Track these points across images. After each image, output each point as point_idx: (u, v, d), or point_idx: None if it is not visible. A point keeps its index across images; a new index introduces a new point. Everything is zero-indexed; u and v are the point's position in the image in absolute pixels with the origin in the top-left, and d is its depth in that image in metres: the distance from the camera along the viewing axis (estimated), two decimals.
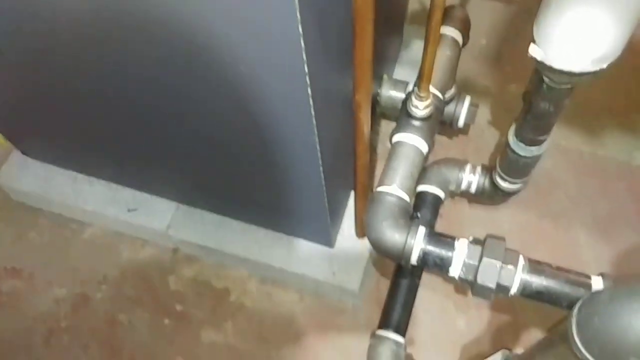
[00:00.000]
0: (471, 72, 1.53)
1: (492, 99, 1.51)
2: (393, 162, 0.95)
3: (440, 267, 0.83)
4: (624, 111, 1.47)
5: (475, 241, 0.83)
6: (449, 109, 1.19)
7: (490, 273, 0.78)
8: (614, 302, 0.51)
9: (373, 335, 1.07)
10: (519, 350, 0.98)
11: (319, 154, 0.88)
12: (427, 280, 1.25)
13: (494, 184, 1.12)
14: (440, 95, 1.04)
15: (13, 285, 1.37)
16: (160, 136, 1.04)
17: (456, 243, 0.84)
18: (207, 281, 1.35)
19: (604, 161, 1.41)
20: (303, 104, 0.76)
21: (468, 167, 1.17)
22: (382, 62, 1.23)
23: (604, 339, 0.52)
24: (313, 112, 0.78)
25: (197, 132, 0.97)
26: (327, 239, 1.23)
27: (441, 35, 1.08)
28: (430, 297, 1.27)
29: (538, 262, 0.81)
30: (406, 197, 0.91)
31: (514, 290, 0.79)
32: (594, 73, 0.75)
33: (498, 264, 0.78)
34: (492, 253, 0.79)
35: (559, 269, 0.80)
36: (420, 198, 1.14)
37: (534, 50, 0.76)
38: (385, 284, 1.30)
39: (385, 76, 1.22)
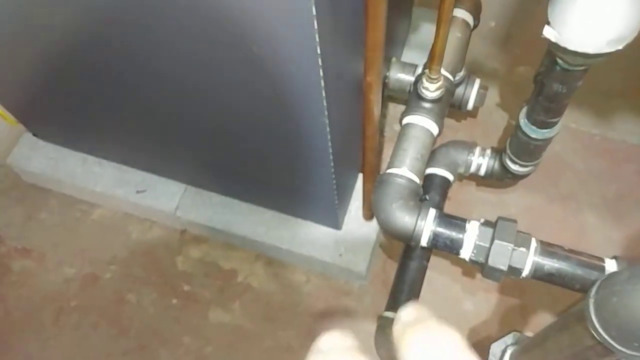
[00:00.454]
0: (480, 54, 1.51)
1: (501, 81, 1.50)
2: (403, 143, 0.94)
3: (451, 248, 0.84)
4: (634, 93, 1.45)
5: (487, 223, 0.83)
6: (459, 91, 1.18)
7: (502, 255, 0.78)
8: (634, 282, 0.51)
9: (380, 317, 1.08)
10: (528, 333, 0.99)
11: (329, 136, 0.88)
12: (434, 262, 1.26)
13: (503, 166, 1.12)
14: (450, 77, 1.03)
15: (23, 264, 1.39)
16: (170, 118, 1.04)
17: (467, 225, 0.83)
18: (215, 262, 1.36)
19: (614, 143, 1.40)
20: (314, 85, 0.76)
21: (477, 150, 1.16)
22: (390, 44, 1.22)
23: (622, 319, 0.52)
24: (324, 94, 0.78)
25: (206, 113, 0.97)
26: (335, 221, 1.23)
27: (452, 17, 1.07)
28: (437, 279, 1.27)
29: (550, 245, 0.81)
30: (416, 179, 0.91)
31: (525, 272, 0.79)
32: (609, 54, 0.74)
33: (510, 246, 0.78)
34: (504, 235, 0.79)
35: (571, 251, 0.80)
36: (428, 180, 1.14)
37: (548, 32, 0.75)
38: (391, 266, 1.30)
39: (393, 59, 1.21)
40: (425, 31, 1.48)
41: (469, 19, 1.12)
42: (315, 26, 0.66)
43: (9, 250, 1.41)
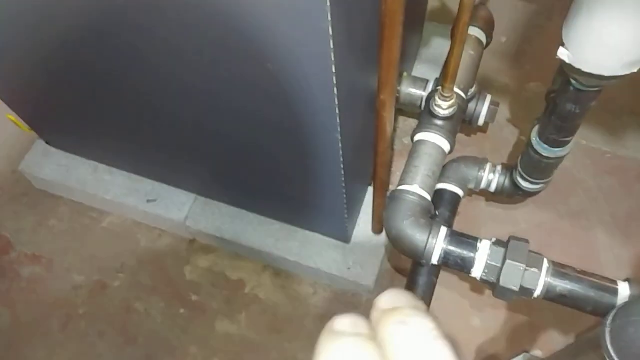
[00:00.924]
0: (491, 70, 1.52)
1: (512, 97, 1.50)
2: (415, 160, 0.94)
3: (462, 267, 0.83)
4: None
5: (498, 242, 0.83)
6: (470, 107, 1.18)
7: (513, 275, 0.78)
8: None
9: None
10: (536, 351, 0.98)
11: (341, 151, 0.89)
12: (443, 278, 1.25)
13: (514, 183, 1.11)
14: (463, 94, 1.03)
15: (33, 270, 1.39)
16: (182, 129, 1.05)
17: (478, 244, 0.83)
18: (223, 272, 1.36)
19: (625, 161, 1.40)
20: (328, 102, 0.77)
21: (488, 166, 1.16)
22: (402, 59, 1.22)
23: (639, 350, 0.52)
24: (337, 111, 0.78)
25: (219, 125, 0.98)
26: (344, 234, 1.23)
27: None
28: (445, 294, 1.27)
29: (562, 266, 0.81)
30: (427, 197, 0.91)
31: (537, 293, 0.79)
32: (624, 76, 0.74)
33: (522, 266, 0.78)
34: (516, 255, 0.79)
35: (583, 272, 0.80)
36: (439, 196, 1.14)
37: (562, 53, 0.75)
38: (400, 280, 1.30)
39: (405, 73, 1.22)
40: (437, 45, 1.48)
41: (482, 37, 1.12)
42: (332, 45, 0.66)
43: (19, 256, 1.41)
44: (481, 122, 1.20)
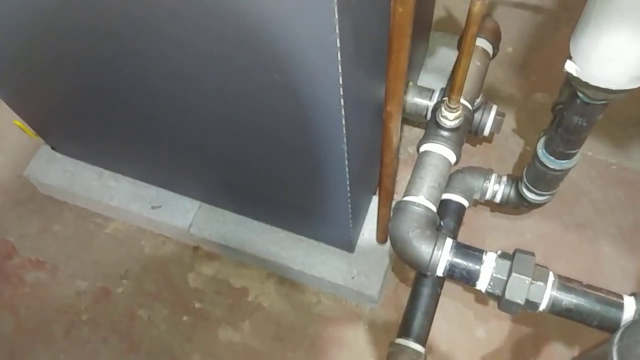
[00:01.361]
0: (497, 80, 1.52)
1: (517, 106, 1.50)
2: (420, 171, 0.94)
3: (467, 279, 0.83)
4: None
5: (504, 255, 0.82)
6: (476, 117, 1.18)
7: (519, 289, 0.77)
8: None
9: (392, 343, 1.07)
10: None
11: (347, 162, 0.88)
12: (447, 288, 1.24)
13: (520, 194, 1.11)
14: (469, 105, 1.03)
15: (37, 276, 1.40)
16: (188, 138, 1.05)
17: (484, 256, 0.83)
18: (226, 280, 1.36)
19: (631, 174, 1.40)
20: (335, 113, 0.77)
21: (493, 177, 1.16)
22: (408, 69, 1.23)
23: None
24: (344, 122, 0.78)
25: (225, 134, 0.98)
26: (348, 244, 1.23)
27: None
28: (449, 304, 1.27)
29: (568, 279, 0.80)
30: (433, 208, 0.91)
31: (542, 306, 0.79)
32: (631, 90, 0.74)
33: (527, 279, 0.78)
34: (522, 268, 0.79)
35: (589, 286, 0.79)
36: (443, 206, 1.14)
37: (570, 66, 0.75)
38: (403, 289, 1.30)
39: (410, 83, 1.22)
40: (443, 55, 1.49)
41: (489, 48, 1.12)
42: (339, 57, 0.66)
43: (23, 262, 1.42)
44: (486, 132, 1.20)
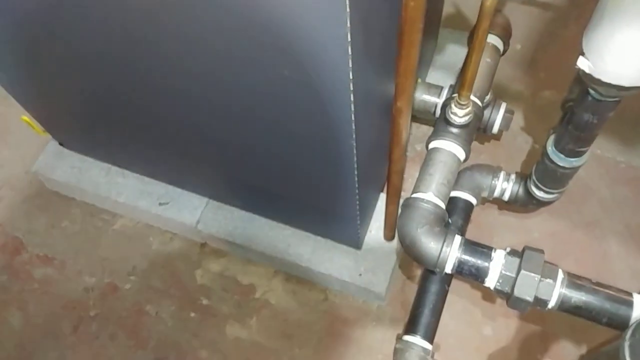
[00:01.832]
0: (505, 77, 1.51)
1: (526, 104, 1.50)
2: (429, 168, 0.94)
3: (476, 276, 0.83)
4: None
5: (513, 252, 0.82)
6: (484, 114, 1.17)
7: (528, 286, 0.77)
8: None
9: (399, 339, 1.07)
10: None
11: (355, 158, 0.88)
12: (454, 285, 1.24)
13: (528, 192, 1.11)
14: (479, 102, 1.03)
15: (45, 272, 1.40)
16: (195, 134, 1.05)
17: (493, 253, 0.83)
18: (234, 276, 1.36)
19: (639, 171, 1.39)
20: (344, 108, 0.76)
21: (502, 174, 1.15)
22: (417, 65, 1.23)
23: None
24: (353, 117, 0.78)
25: (233, 130, 0.98)
26: (355, 241, 1.23)
27: None
28: (457, 302, 1.26)
29: (577, 277, 0.80)
30: (442, 205, 0.91)
31: (552, 304, 0.78)
32: None
33: (537, 277, 0.77)
34: (531, 265, 0.78)
35: (598, 284, 0.79)
36: (452, 203, 1.13)
37: (582, 63, 0.75)
38: (411, 287, 1.30)
39: (419, 80, 1.21)
40: (451, 52, 1.48)
41: (499, 44, 1.12)
42: (349, 52, 0.66)
43: (31, 258, 1.42)
44: (495, 129, 1.20)
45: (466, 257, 0.84)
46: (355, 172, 0.93)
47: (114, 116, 1.14)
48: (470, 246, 0.85)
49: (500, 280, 0.81)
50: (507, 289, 0.80)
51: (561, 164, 0.97)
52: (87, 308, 1.35)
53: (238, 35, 0.72)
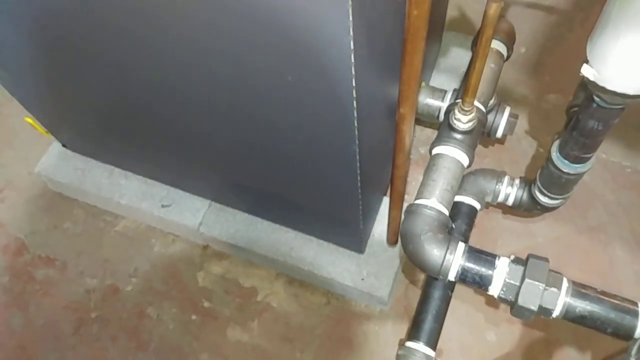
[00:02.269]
0: (510, 81, 1.50)
1: (530, 108, 1.49)
2: (433, 174, 0.93)
3: (479, 284, 0.82)
4: None
5: (517, 260, 0.81)
6: (488, 119, 1.16)
7: (532, 295, 0.76)
8: None
9: (402, 345, 1.06)
10: None
11: (358, 163, 0.88)
12: (458, 290, 1.23)
13: (532, 197, 1.10)
14: (483, 108, 1.02)
15: (46, 273, 1.40)
16: (198, 138, 1.05)
17: (497, 261, 0.82)
18: (235, 279, 1.36)
19: None
20: (347, 114, 0.76)
21: (506, 179, 1.14)
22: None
23: None
24: (356, 123, 0.78)
25: (236, 134, 0.97)
26: (358, 245, 1.22)
27: None
28: (460, 307, 1.26)
29: (583, 286, 0.79)
30: (445, 211, 0.90)
31: (556, 313, 0.78)
32: None
33: (541, 285, 0.77)
34: (535, 274, 0.78)
35: (604, 293, 0.78)
36: (455, 208, 1.12)
37: (586, 70, 0.74)
38: (414, 292, 1.29)
39: (422, 83, 1.21)
40: (455, 55, 1.47)
41: (503, 49, 1.11)
42: (352, 59, 0.66)
43: (33, 259, 1.42)
44: (499, 134, 1.19)
45: (470, 265, 0.83)
46: (358, 177, 0.92)
47: (117, 119, 1.13)
48: (474, 254, 0.84)
49: (504, 289, 0.80)
50: (511, 297, 0.80)
51: (565, 170, 0.96)
52: (88, 310, 1.35)
53: (240, 40, 0.71)
